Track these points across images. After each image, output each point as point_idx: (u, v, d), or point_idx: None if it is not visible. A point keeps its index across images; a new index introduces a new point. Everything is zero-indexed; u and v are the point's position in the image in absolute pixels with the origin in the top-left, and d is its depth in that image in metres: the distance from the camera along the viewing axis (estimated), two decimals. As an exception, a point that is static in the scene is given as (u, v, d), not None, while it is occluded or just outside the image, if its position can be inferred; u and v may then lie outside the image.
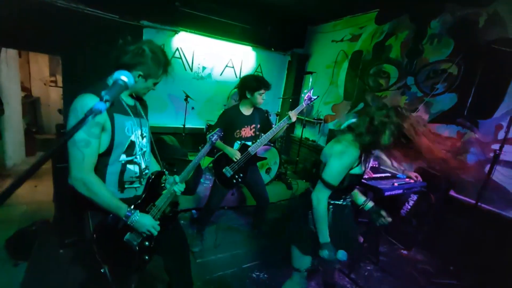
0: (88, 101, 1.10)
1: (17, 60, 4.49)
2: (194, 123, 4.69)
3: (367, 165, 1.56)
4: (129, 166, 1.27)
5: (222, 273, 2.31)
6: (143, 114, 1.39)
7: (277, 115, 4.72)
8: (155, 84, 1.32)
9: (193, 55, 4.45)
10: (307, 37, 5.26)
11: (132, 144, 1.26)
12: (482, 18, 2.83)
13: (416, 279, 2.58)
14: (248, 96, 2.43)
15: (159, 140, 3.85)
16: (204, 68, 4.62)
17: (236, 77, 4.94)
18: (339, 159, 1.41)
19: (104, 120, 1.14)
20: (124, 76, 0.80)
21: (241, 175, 2.47)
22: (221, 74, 4.81)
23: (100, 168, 1.18)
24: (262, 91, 2.42)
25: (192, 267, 1.84)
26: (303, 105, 2.48)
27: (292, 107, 5.23)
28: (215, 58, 4.68)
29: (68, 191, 1.14)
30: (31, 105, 6.05)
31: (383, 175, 2.56)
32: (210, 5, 4.03)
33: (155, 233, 1.24)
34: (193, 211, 3.19)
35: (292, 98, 4.86)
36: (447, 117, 3.11)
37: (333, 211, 1.56)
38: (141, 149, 1.33)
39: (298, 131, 4.69)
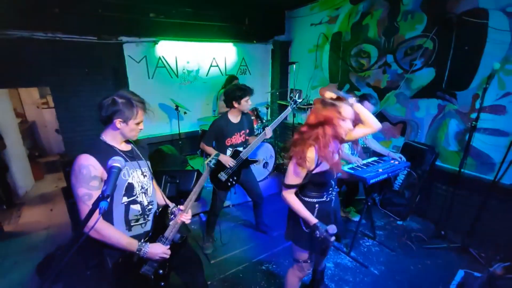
0: (83, 161, 1.27)
1: (6, 91, 4.58)
2: (189, 127, 4.83)
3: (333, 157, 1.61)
4: (132, 206, 1.43)
5: (234, 270, 2.57)
6: (141, 156, 1.53)
7: (266, 107, 4.82)
8: (137, 124, 1.41)
9: (176, 62, 4.50)
10: (286, 23, 5.22)
11: (130, 186, 1.41)
12: (451, -10, 2.86)
13: (411, 247, 2.83)
14: (236, 105, 2.57)
15: (158, 151, 4.02)
16: (189, 72, 4.68)
17: (222, 74, 4.99)
18: (292, 163, 1.58)
19: (101, 172, 1.29)
20: (115, 163, 0.95)
21: (235, 178, 2.68)
22: (207, 75, 4.87)
23: (107, 212, 1.35)
24: (247, 98, 2.56)
25: (206, 269, 2.08)
26: (288, 109, 2.65)
27: (280, 99, 5.34)
28: (199, 60, 4.71)
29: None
30: (28, 129, 6.17)
31: (370, 160, 2.73)
32: (184, 10, 4.02)
33: (167, 257, 1.44)
34: (201, 214, 3.42)
35: (280, 91, 4.92)
36: (427, 92, 3.23)
37: (319, 209, 1.69)
38: (143, 187, 1.48)
39: (290, 117, 4.80)
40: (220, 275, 2.51)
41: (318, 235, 1.50)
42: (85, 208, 1.26)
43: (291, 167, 1.59)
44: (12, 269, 2.92)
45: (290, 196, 1.65)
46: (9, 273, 2.86)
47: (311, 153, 1.51)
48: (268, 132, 2.59)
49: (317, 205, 1.69)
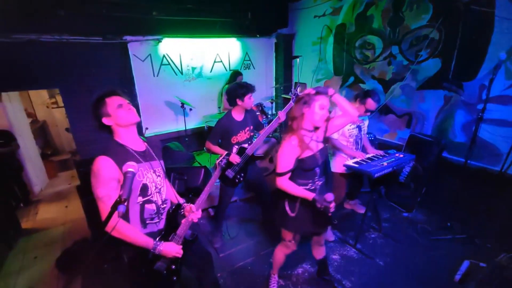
0: (102, 163, 1.34)
1: (17, 92, 4.72)
2: (195, 123, 4.90)
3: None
4: (147, 206, 1.50)
5: (243, 263, 2.66)
6: (154, 156, 1.58)
7: (271, 102, 4.84)
8: (118, 107, 1.42)
9: (180, 59, 4.53)
10: (289, 16, 5.17)
11: (144, 187, 1.47)
12: (458, -22, 2.79)
13: (416, 239, 2.86)
14: (240, 103, 2.60)
15: (165, 148, 4.11)
16: (193, 68, 4.71)
17: (226, 70, 5.01)
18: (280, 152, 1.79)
19: (118, 173, 1.36)
20: (129, 168, 1.02)
21: (242, 174, 2.73)
22: (211, 71, 4.89)
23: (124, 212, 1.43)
24: (249, 95, 2.58)
25: (216, 262, 2.17)
26: (291, 103, 2.63)
27: (285, 93, 5.34)
28: (202, 56, 4.74)
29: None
30: (40, 129, 6.35)
31: (374, 154, 2.74)
32: (186, 7, 4.03)
33: (180, 256, 1.52)
34: (210, 209, 3.52)
35: (284, 85, 4.92)
36: (433, 83, 3.20)
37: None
38: (156, 187, 1.54)
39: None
40: (229, 267, 2.60)
41: (319, 206, 1.64)
42: (105, 208, 1.33)
43: (280, 155, 1.78)
44: (33, 263, 3.08)
45: (285, 182, 1.79)
46: (30, 267, 3.02)
47: (294, 141, 1.74)
48: (282, 116, 2.57)
49: None
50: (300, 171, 1.81)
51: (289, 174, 1.79)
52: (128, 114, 1.46)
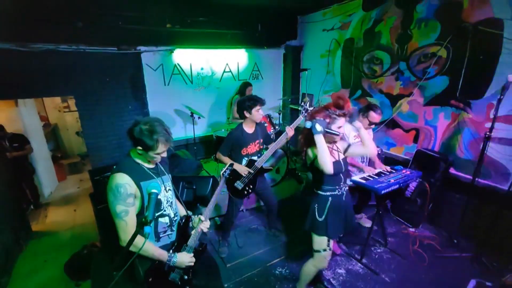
0: (119, 180, 1.39)
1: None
2: (203, 131, 4.98)
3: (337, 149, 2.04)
4: (160, 219, 1.56)
5: (249, 274, 2.69)
6: (164, 171, 1.66)
7: (279, 113, 4.90)
8: (157, 154, 1.47)
9: (191, 68, 4.64)
10: (298, 28, 5.27)
11: (158, 202, 1.54)
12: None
13: (423, 256, 2.86)
14: (247, 115, 2.66)
15: (174, 156, 4.18)
16: (203, 78, 4.82)
17: (235, 80, 5.10)
18: None
19: (135, 190, 1.43)
20: (154, 189, 1.08)
21: (251, 186, 2.78)
22: (220, 80, 4.99)
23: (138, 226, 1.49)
24: (258, 107, 2.64)
25: (222, 272, 2.21)
26: (300, 117, 2.69)
27: (292, 103, 5.40)
28: (212, 66, 4.84)
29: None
30: (51, 132, 6.50)
31: (381, 169, 2.78)
32: (198, 19, 4.15)
33: (193, 264, 1.57)
34: (217, 218, 3.56)
35: (292, 98, 4.99)
36: (441, 99, 3.23)
37: (331, 201, 2.01)
38: (168, 201, 1.61)
39: (301, 121, 4.87)
40: (235, 278, 2.63)
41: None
42: (122, 224, 1.38)
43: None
44: (42, 267, 3.14)
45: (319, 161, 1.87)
46: (40, 271, 3.08)
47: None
48: (290, 131, 2.59)
49: (330, 198, 2.02)
50: (328, 176, 1.92)
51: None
52: (158, 160, 1.55)
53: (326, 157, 1.80)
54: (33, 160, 4.66)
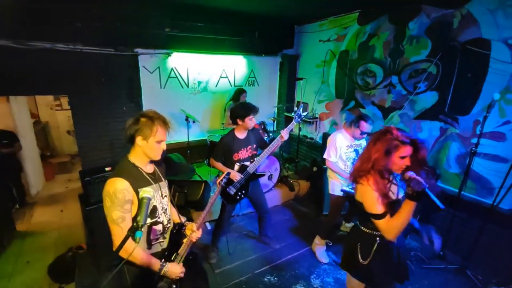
0: (118, 185, 1.36)
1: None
2: (197, 135, 4.98)
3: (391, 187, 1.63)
4: (154, 227, 1.52)
5: (237, 281, 2.68)
6: (161, 177, 1.63)
7: (273, 120, 4.95)
8: (158, 142, 1.46)
9: (187, 72, 4.66)
10: (295, 38, 5.38)
11: (154, 208, 1.51)
12: (456, 19, 2.97)
13: (409, 266, 2.90)
14: (240, 122, 2.69)
15: (167, 159, 4.16)
16: (199, 82, 4.84)
17: (231, 86, 5.14)
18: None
19: (133, 196, 1.39)
20: (146, 194, 1.08)
21: (243, 191, 2.79)
22: (216, 86, 5.02)
23: None
24: (251, 116, 2.67)
25: (211, 278, 2.20)
26: (293, 122, 2.73)
27: (287, 111, 5.47)
28: (209, 71, 4.87)
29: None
30: (42, 130, 6.38)
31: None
32: (197, 24, 4.20)
33: (183, 276, 1.54)
34: (207, 223, 3.54)
35: (287, 106, 5.05)
36: (430, 114, 3.33)
37: (379, 244, 1.60)
38: (163, 208, 1.58)
39: (295, 129, 4.93)
40: (223, 285, 2.62)
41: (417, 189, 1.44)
42: (118, 230, 1.34)
43: (372, 196, 1.51)
44: (25, 268, 3.06)
45: (391, 224, 1.49)
46: (22, 272, 3.00)
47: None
48: (285, 134, 2.58)
49: (377, 239, 1.61)
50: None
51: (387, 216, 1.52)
52: (158, 153, 1.50)
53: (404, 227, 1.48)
54: (22, 158, 4.56)
